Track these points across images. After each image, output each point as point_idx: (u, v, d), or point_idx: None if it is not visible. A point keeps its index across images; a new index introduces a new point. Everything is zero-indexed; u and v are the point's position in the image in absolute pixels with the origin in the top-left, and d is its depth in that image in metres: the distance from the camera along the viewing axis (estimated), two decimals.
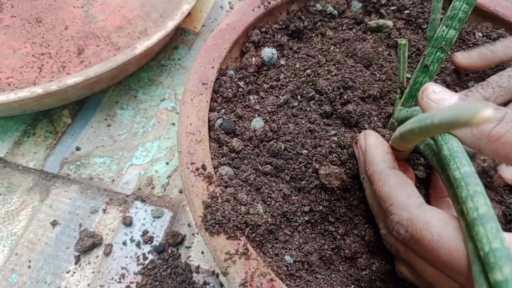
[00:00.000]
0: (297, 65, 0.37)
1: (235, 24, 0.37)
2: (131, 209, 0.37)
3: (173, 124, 0.43)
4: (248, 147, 0.32)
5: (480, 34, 0.38)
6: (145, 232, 0.36)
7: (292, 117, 0.33)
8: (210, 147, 0.31)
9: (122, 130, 0.42)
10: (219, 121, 0.32)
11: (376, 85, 0.34)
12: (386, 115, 0.33)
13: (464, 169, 0.16)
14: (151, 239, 0.36)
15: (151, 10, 0.52)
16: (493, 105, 0.30)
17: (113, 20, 0.51)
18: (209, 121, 0.32)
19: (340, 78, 0.34)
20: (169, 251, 0.35)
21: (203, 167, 0.29)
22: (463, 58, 0.35)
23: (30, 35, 0.48)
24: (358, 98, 0.33)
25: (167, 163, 0.40)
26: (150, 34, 0.43)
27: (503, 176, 0.29)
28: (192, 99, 0.32)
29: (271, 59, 0.37)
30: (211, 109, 0.33)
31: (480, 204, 0.14)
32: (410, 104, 0.29)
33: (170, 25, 0.43)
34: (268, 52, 0.36)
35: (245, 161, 0.31)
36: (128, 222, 0.36)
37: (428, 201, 0.29)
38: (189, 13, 0.54)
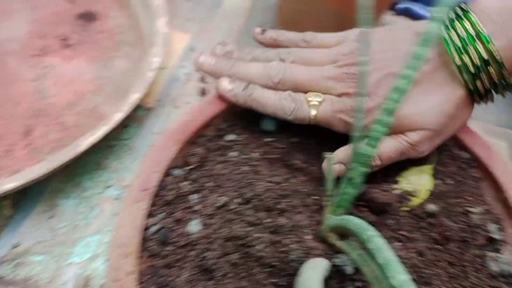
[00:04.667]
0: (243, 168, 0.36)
1: (187, 124, 0.37)
2: None
3: (116, 214, 0.42)
4: (179, 255, 0.31)
5: None
6: None
7: (226, 222, 0.33)
8: (141, 257, 0.30)
9: (63, 222, 0.41)
10: (155, 227, 0.32)
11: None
12: (316, 224, 0.32)
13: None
14: None
15: (106, 83, 0.51)
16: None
17: (65, 95, 0.50)
18: (146, 228, 0.32)
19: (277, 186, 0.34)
20: None
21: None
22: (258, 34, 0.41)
23: None
24: (292, 207, 0.33)
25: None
26: (100, 112, 0.42)
27: None
28: (129, 207, 0.32)
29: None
30: (150, 214, 0.33)
31: None
32: (340, 212, 0.30)
33: (117, 117, 0.41)
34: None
35: (173, 275, 0.30)
36: None
37: None
38: None
